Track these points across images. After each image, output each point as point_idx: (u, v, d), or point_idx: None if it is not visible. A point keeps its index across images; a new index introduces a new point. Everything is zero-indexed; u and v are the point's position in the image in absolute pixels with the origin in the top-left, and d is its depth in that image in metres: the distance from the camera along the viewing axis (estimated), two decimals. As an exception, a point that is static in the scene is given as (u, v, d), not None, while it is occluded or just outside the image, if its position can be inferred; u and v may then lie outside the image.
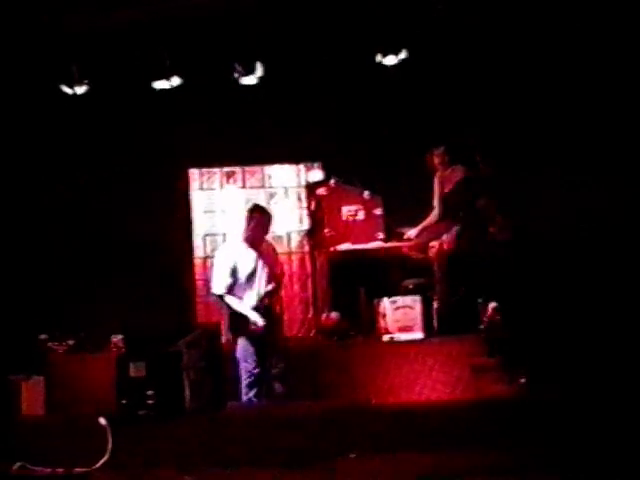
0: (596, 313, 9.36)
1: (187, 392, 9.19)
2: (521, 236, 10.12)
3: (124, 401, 8.96)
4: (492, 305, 9.52)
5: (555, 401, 8.12)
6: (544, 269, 9.85)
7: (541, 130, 10.59)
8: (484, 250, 9.90)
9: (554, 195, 10.44)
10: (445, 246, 10.13)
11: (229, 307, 8.99)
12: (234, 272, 8.94)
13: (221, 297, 9.00)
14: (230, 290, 8.94)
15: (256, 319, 8.88)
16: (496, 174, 10.08)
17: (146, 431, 8.01)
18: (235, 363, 9.06)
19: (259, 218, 9.15)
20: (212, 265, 9.38)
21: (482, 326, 9.53)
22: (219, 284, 8.99)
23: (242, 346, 8.99)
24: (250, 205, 9.74)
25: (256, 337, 8.94)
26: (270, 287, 9.08)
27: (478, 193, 10.08)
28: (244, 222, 9.24)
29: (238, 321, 9.00)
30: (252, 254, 9.03)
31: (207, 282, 11.08)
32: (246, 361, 8.95)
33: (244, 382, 8.96)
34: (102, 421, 6.31)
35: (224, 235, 11.27)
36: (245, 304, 8.94)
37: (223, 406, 8.94)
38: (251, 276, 9.00)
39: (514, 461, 6.42)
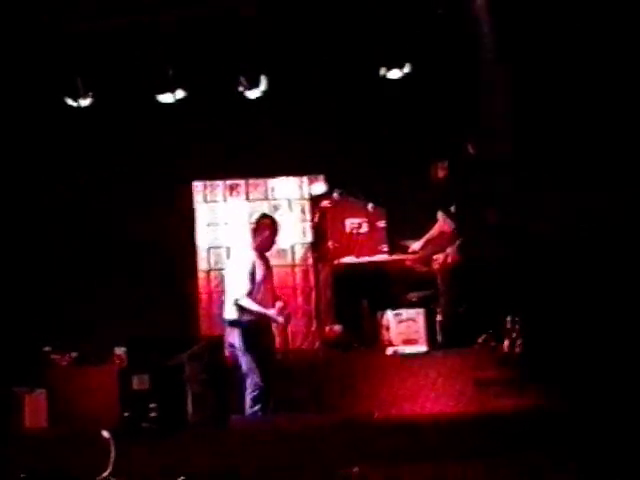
0: (607, 323, 9.36)
1: (190, 405, 9.16)
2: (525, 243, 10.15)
3: (127, 414, 8.93)
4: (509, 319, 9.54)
5: (560, 414, 8.10)
6: (555, 278, 9.90)
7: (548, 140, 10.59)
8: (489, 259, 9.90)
9: (556, 199, 10.45)
10: (449, 259, 10.13)
11: (249, 312, 9.03)
12: (252, 278, 9.06)
13: (241, 303, 9.05)
14: (249, 295, 9.04)
15: (276, 317, 9.11)
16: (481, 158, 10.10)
17: (149, 444, 8.00)
18: (240, 377, 9.06)
19: (269, 226, 9.33)
20: (226, 275, 9.32)
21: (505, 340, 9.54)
22: (241, 288, 9.05)
23: (249, 360, 9.00)
24: (259, 215, 9.82)
25: (262, 351, 9.01)
26: (281, 303, 9.24)
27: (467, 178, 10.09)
28: (252, 232, 9.41)
29: (250, 335, 9.05)
30: (263, 262, 9.21)
31: (210, 295, 11.16)
32: (253, 375, 8.96)
33: (250, 396, 8.97)
34: (105, 434, 6.29)
35: (228, 248, 11.25)
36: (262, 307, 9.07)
37: (226, 419, 8.93)
38: (263, 284, 9.14)
39: (518, 474, 6.41)
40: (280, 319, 9.19)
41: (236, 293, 9.10)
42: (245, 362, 9.03)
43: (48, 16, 10.12)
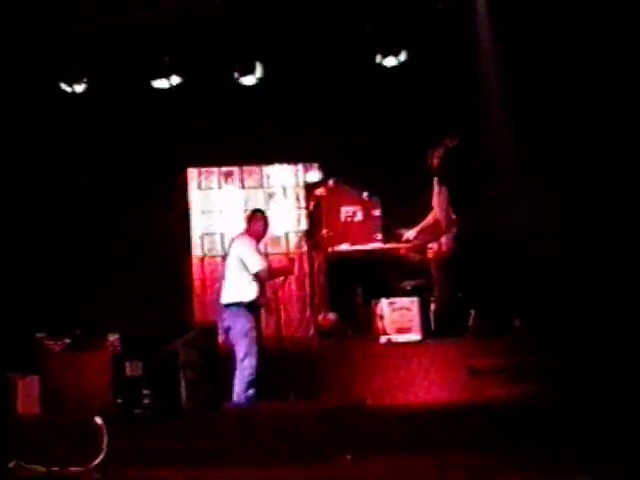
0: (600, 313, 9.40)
1: (183, 391, 9.17)
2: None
3: (120, 400, 8.94)
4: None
5: (552, 404, 8.13)
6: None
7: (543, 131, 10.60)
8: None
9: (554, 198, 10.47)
10: (443, 248, 10.12)
11: (259, 289, 9.20)
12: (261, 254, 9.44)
13: (263, 275, 9.21)
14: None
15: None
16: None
17: (142, 430, 8.00)
18: (234, 362, 9.07)
19: (261, 219, 9.53)
20: (231, 259, 9.33)
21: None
22: (258, 260, 9.23)
23: (248, 343, 9.04)
24: (251, 210, 9.92)
25: (258, 334, 9.18)
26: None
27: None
28: (246, 222, 9.54)
29: (251, 316, 9.17)
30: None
31: (204, 281, 11.16)
32: (251, 358, 9.01)
33: (246, 379, 8.97)
34: (98, 420, 6.30)
35: (222, 235, 11.25)
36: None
37: (219, 406, 8.93)
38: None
39: (511, 462, 6.43)
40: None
41: (257, 266, 9.17)
42: (245, 345, 9.05)
43: (47, 14, 10.08)
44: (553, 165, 10.49)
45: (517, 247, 10.34)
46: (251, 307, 9.21)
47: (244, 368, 8.99)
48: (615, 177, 10.29)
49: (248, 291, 9.18)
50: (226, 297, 9.26)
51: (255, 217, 9.56)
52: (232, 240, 9.61)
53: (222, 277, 9.47)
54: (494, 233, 10.30)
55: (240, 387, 8.97)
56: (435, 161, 10.25)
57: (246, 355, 9.01)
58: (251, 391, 8.95)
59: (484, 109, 10.81)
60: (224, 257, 9.70)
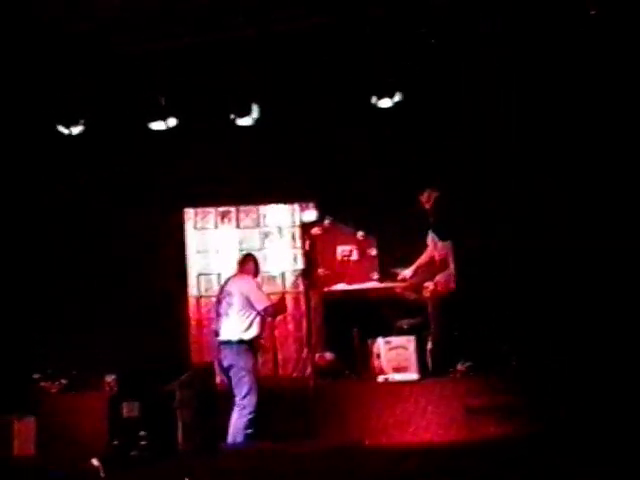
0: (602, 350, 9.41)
1: (180, 432, 9.15)
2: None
3: (116, 442, 8.90)
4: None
5: (550, 441, 8.10)
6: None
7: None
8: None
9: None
10: (439, 287, 10.14)
11: (261, 326, 9.41)
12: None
13: (268, 309, 9.42)
14: None
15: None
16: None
17: (139, 472, 7.97)
18: (229, 402, 9.06)
19: (253, 262, 9.82)
20: (236, 297, 9.41)
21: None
22: (264, 297, 9.48)
23: (252, 380, 9.14)
24: (242, 255, 10.22)
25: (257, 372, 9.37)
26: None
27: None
28: (239, 266, 9.80)
29: (254, 353, 9.36)
30: None
31: (200, 322, 11.16)
32: (254, 396, 9.09)
33: (246, 417, 9.00)
34: (94, 462, 6.28)
35: (218, 275, 11.27)
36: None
37: (216, 446, 8.90)
38: None
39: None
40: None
41: (263, 303, 9.36)
42: (248, 382, 9.12)
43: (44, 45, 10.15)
44: (551, 207, 10.56)
45: (512, 283, 10.38)
46: (252, 345, 9.31)
47: (244, 406, 9.01)
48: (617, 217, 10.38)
49: (251, 329, 9.29)
50: (228, 335, 9.30)
51: (246, 260, 9.83)
52: (230, 280, 9.64)
53: (220, 316, 9.48)
54: (490, 269, 10.33)
55: (239, 426, 8.97)
56: (427, 203, 10.29)
57: (248, 393, 9.05)
58: (250, 430, 8.96)
59: (479, 150, 10.87)
60: (219, 297, 9.70)
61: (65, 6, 9.85)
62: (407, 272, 10.51)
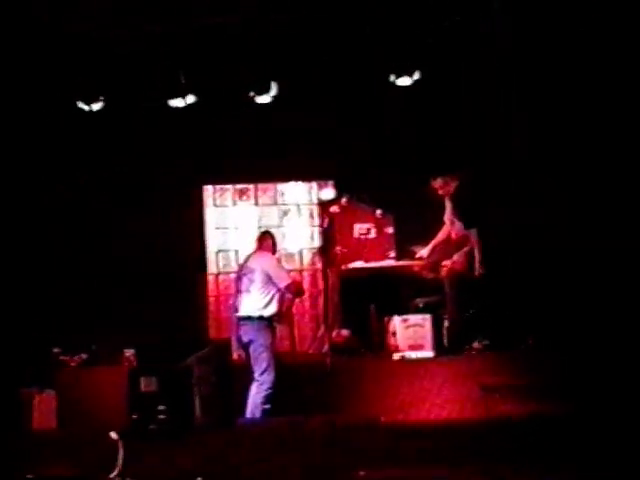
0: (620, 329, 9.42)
1: (198, 407, 9.21)
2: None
3: (135, 416, 8.97)
4: None
5: (565, 419, 8.13)
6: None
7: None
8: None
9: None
10: (456, 265, 10.15)
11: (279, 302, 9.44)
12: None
13: (290, 286, 9.49)
14: None
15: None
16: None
17: (157, 446, 8.04)
18: (247, 377, 9.14)
19: (271, 240, 9.78)
20: (257, 273, 9.43)
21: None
22: (286, 274, 9.61)
23: (270, 356, 9.21)
24: (260, 232, 10.17)
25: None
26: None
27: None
28: (257, 243, 9.77)
29: (273, 329, 9.45)
30: None
31: (218, 297, 11.23)
32: (272, 372, 9.17)
33: (264, 393, 9.09)
34: (113, 435, 6.34)
35: (236, 251, 11.33)
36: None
37: (233, 421, 8.98)
38: None
39: (524, 478, 6.45)
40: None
41: (284, 281, 9.43)
42: (266, 358, 9.20)
43: (61, 21, 10.16)
44: (565, 180, 10.53)
45: (529, 263, 10.38)
46: (271, 322, 9.39)
47: (263, 382, 9.10)
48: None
49: (270, 306, 9.35)
50: (248, 311, 9.36)
51: (264, 237, 9.82)
52: (251, 256, 9.66)
53: (240, 292, 9.54)
54: (507, 249, 10.32)
55: (257, 401, 9.05)
56: (441, 191, 10.25)
57: (266, 369, 9.13)
58: (267, 405, 9.05)
59: (496, 126, 10.84)
60: (239, 274, 9.76)
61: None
62: (424, 250, 10.52)
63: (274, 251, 9.79)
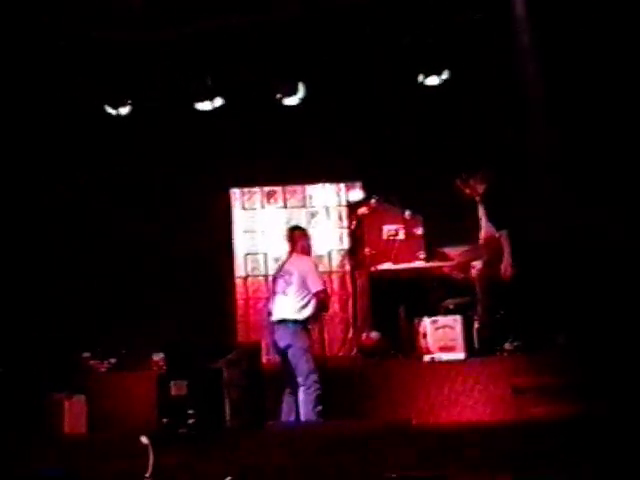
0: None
1: (227, 411, 9.19)
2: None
3: (165, 420, 8.96)
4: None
5: (600, 422, 8.05)
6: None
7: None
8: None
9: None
10: (487, 267, 10.09)
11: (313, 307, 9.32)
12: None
13: (320, 292, 9.33)
14: None
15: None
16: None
17: (187, 450, 8.03)
18: (291, 380, 9.12)
19: (304, 236, 9.67)
20: (293, 277, 9.36)
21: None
22: (318, 279, 9.39)
23: (309, 358, 9.18)
24: (289, 227, 10.02)
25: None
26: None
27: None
28: (289, 242, 9.65)
29: (309, 333, 9.39)
30: None
31: (247, 301, 11.21)
32: (314, 374, 9.12)
33: (313, 395, 9.04)
34: (144, 439, 6.32)
35: (265, 255, 11.32)
36: None
37: (263, 425, 8.96)
38: None
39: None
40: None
41: (317, 287, 9.31)
42: (307, 361, 9.16)
43: (87, 25, 10.20)
44: (596, 181, 10.44)
45: (559, 263, 10.29)
46: (306, 325, 9.35)
47: (309, 386, 9.05)
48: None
49: (306, 309, 9.29)
50: (283, 314, 9.32)
51: (298, 235, 9.64)
52: (290, 258, 9.59)
53: (275, 294, 9.50)
54: (535, 249, 10.24)
55: (308, 406, 9.00)
56: (467, 191, 10.19)
57: (310, 372, 9.10)
58: (319, 407, 8.99)
59: (526, 127, 10.75)
60: (276, 276, 9.69)
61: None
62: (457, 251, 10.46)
63: (309, 252, 9.68)
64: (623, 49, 10.15)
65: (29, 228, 11.04)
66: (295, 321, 9.26)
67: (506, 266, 9.84)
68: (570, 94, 10.43)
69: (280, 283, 9.46)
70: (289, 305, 9.32)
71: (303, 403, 9.07)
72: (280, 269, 9.66)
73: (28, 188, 11.12)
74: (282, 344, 9.29)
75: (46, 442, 8.90)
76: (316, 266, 9.64)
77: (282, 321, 9.31)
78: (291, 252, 9.64)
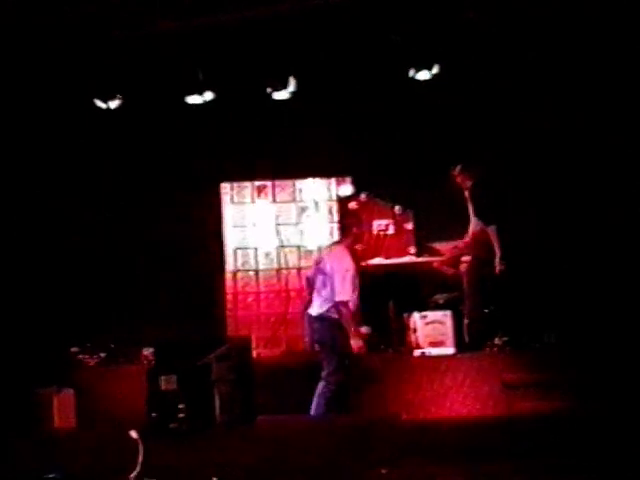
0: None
1: (217, 405, 9.19)
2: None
3: (154, 414, 8.95)
4: None
5: (588, 417, 8.08)
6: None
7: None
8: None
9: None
10: (475, 262, 10.10)
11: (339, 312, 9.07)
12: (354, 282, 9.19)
13: (342, 308, 9.09)
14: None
15: (358, 343, 9.14)
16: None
17: (177, 444, 8.02)
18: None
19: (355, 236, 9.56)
20: (329, 272, 9.26)
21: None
22: (348, 290, 9.10)
23: (338, 359, 9.11)
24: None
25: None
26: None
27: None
28: (341, 230, 9.62)
29: (340, 329, 9.15)
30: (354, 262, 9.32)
31: (236, 295, 11.19)
32: (340, 374, 9.11)
33: (329, 394, 9.04)
34: (133, 434, 6.31)
35: (255, 249, 11.31)
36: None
37: (253, 420, 8.96)
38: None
39: (545, 476, 6.40)
40: (355, 342, 9.16)
41: (344, 295, 9.09)
42: (335, 360, 9.10)
43: (78, 19, 10.16)
44: (585, 176, 10.46)
45: (548, 259, 10.31)
46: (339, 322, 9.19)
47: (329, 382, 9.05)
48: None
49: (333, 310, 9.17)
50: (319, 311, 9.25)
51: (348, 234, 9.58)
52: (330, 255, 9.51)
53: (313, 289, 9.42)
54: (524, 245, 10.26)
55: (321, 399, 9.02)
56: (458, 179, 10.22)
57: (335, 370, 9.08)
58: (331, 404, 8.99)
59: (515, 123, 10.76)
60: (316, 268, 9.56)
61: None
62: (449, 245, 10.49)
63: (353, 251, 9.44)
64: (612, 43, 10.15)
65: (15, 223, 10.98)
66: (329, 318, 9.18)
67: (495, 262, 9.86)
68: (560, 89, 10.45)
69: (318, 279, 9.37)
70: (324, 303, 9.24)
71: (317, 395, 9.08)
72: (318, 263, 9.56)
73: (14, 182, 11.06)
74: (316, 337, 9.31)
75: (35, 437, 8.88)
76: (354, 271, 9.26)
77: (317, 318, 9.27)
78: (333, 246, 9.55)
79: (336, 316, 9.17)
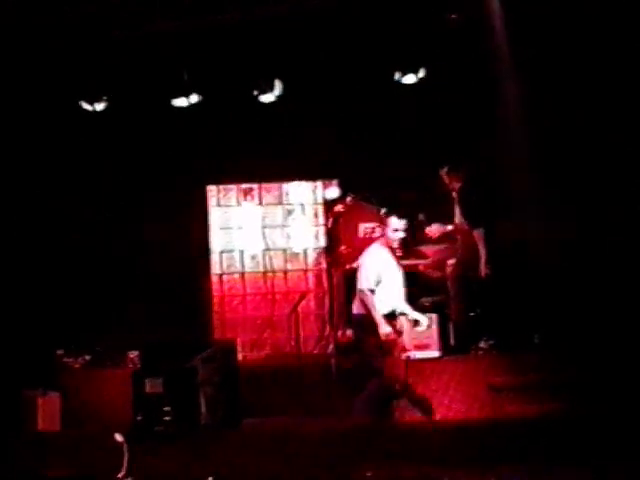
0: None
1: (203, 408, 9.18)
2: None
3: (140, 417, 8.94)
4: None
5: (572, 419, 8.10)
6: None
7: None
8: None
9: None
10: (461, 265, 10.12)
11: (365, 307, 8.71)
12: (380, 275, 8.74)
13: (362, 296, 8.71)
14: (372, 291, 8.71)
15: (385, 330, 8.62)
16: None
17: (162, 447, 8.01)
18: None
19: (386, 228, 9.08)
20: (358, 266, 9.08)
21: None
22: (364, 280, 8.76)
23: (373, 363, 8.79)
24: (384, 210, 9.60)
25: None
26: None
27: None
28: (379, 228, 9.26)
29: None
30: (393, 259, 8.90)
31: (222, 298, 11.18)
32: (377, 378, 8.80)
33: (365, 398, 8.77)
34: (118, 437, 6.30)
35: (241, 252, 11.30)
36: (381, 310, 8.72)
37: (239, 422, 8.95)
38: (393, 281, 8.84)
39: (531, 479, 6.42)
40: (388, 329, 8.66)
41: (365, 283, 8.74)
42: (371, 363, 8.83)
43: (64, 21, 10.14)
44: (569, 180, 10.48)
45: (534, 262, 10.32)
46: (370, 323, 8.73)
47: (380, 388, 8.76)
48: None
49: (379, 306, 8.77)
50: (355, 309, 8.96)
51: (381, 227, 9.19)
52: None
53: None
54: (511, 248, 10.27)
55: (359, 401, 8.81)
56: (446, 180, 10.23)
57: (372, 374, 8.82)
58: (366, 406, 8.77)
59: (501, 126, 10.78)
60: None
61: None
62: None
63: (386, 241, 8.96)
64: (597, 46, 10.19)
65: (1, 226, 10.94)
66: (363, 317, 8.79)
67: (481, 265, 9.87)
68: (549, 92, 10.47)
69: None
70: (357, 301, 8.92)
71: (359, 398, 8.82)
72: None
73: (1, 185, 11.03)
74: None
75: (20, 439, 8.85)
76: (381, 261, 8.79)
77: (355, 316, 8.96)
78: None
79: (362, 311, 8.76)
